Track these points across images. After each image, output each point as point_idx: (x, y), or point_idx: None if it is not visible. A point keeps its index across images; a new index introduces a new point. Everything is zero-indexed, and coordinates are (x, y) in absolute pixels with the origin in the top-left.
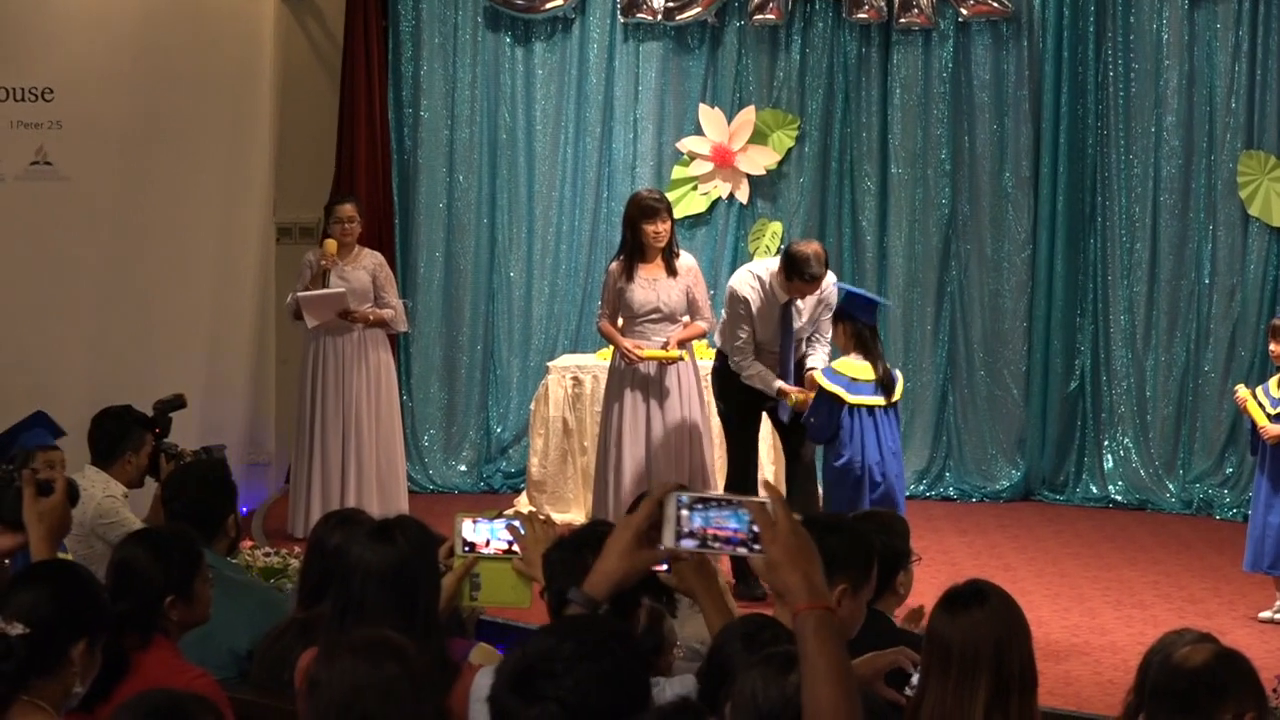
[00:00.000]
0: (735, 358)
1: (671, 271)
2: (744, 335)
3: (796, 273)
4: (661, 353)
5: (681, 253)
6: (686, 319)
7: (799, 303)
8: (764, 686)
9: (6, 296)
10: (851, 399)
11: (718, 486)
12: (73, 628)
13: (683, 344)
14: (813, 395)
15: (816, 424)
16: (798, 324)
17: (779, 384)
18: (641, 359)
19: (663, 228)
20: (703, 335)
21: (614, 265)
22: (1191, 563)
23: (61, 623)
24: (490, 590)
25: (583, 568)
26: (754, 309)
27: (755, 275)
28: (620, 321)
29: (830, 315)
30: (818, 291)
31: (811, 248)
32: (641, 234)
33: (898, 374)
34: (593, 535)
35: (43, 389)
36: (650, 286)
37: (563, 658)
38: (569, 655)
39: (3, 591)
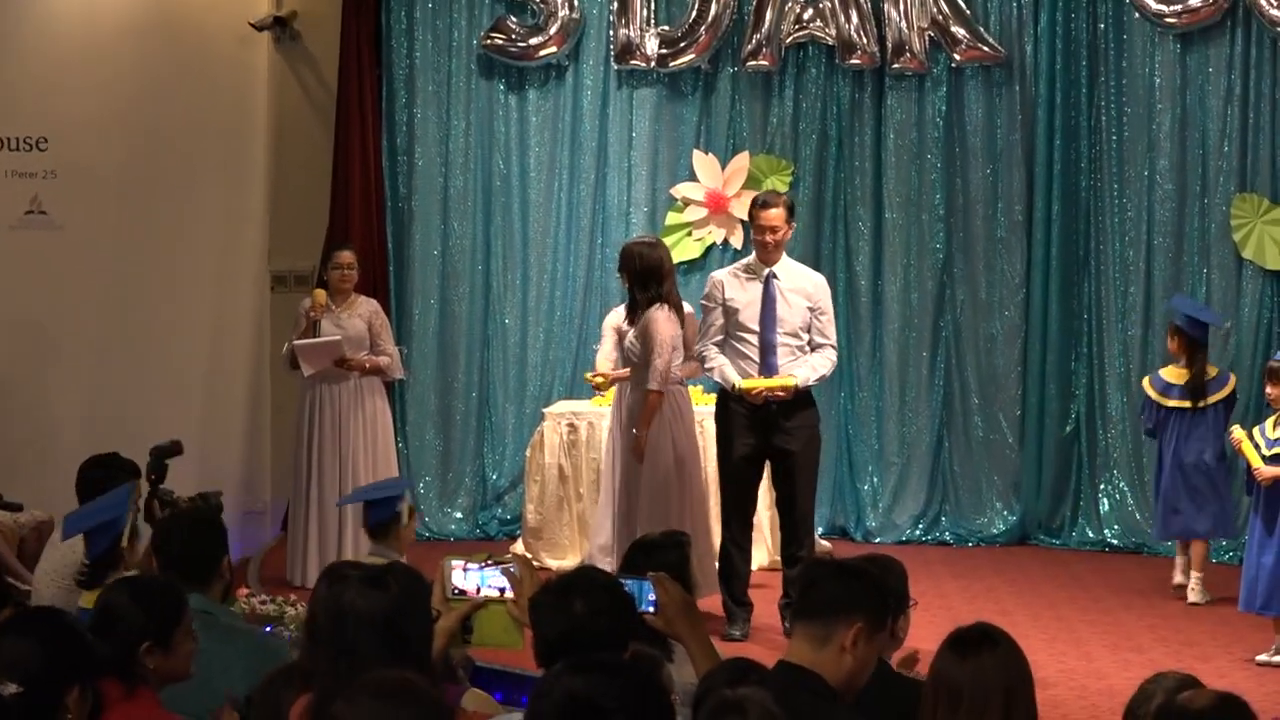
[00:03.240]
0: (700, 354)
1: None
2: (710, 319)
3: (754, 204)
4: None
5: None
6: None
7: (781, 282)
8: None
9: (3, 344)
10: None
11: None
12: (65, 676)
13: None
14: (765, 388)
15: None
16: (782, 307)
17: (736, 381)
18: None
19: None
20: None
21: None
22: (1188, 606)
23: (54, 673)
24: (482, 632)
25: (569, 612)
26: (726, 291)
27: (734, 264)
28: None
29: (829, 321)
30: (815, 286)
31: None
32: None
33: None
34: (580, 580)
35: (39, 436)
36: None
37: (604, 683)
38: (609, 679)
39: None
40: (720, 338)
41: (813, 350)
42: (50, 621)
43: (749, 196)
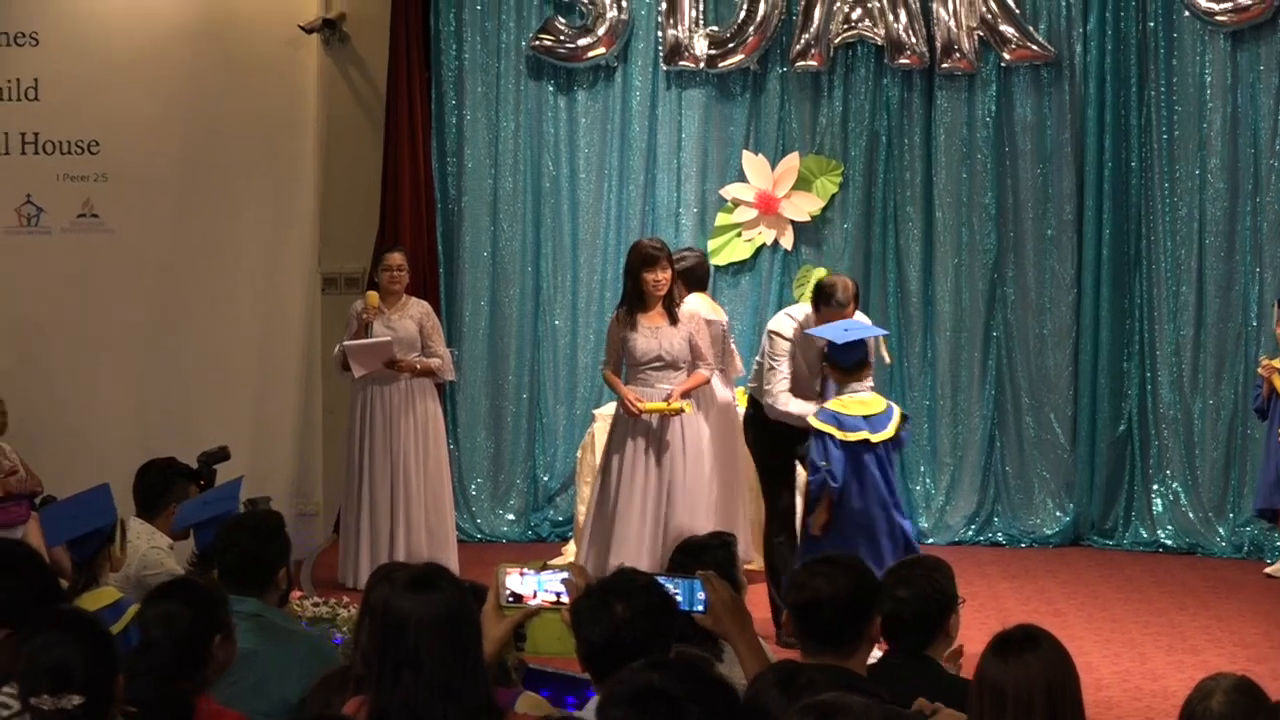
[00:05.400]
0: (769, 400)
1: (673, 320)
2: (782, 371)
3: (824, 299)
4: (663, 405)
5: (683, 303)
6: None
7: None
8: None
9: (54, 347)
10: None
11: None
12: (109, 672)
13: (686, 395)
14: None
15: None
16: None
17: (809, 411)
18: (642, 412)
19: (663, 276)
20: (705, 383)
21: (617, 314)
22: (1242, 607)
23: (102, 676)
24: (536, 640)
25: (610, 616)
26: (795, 346)
27: (792, 316)
28: (624, 371)
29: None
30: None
31: (840, 278)
32: (642, 282)
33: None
34: (619, 583)
35: (90, 439)
36: (652, 335)
37: (676, 676)
38: (681, 672)
39: (30, 658)
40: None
41: None
42: (82, 627)
43: (799, 197)
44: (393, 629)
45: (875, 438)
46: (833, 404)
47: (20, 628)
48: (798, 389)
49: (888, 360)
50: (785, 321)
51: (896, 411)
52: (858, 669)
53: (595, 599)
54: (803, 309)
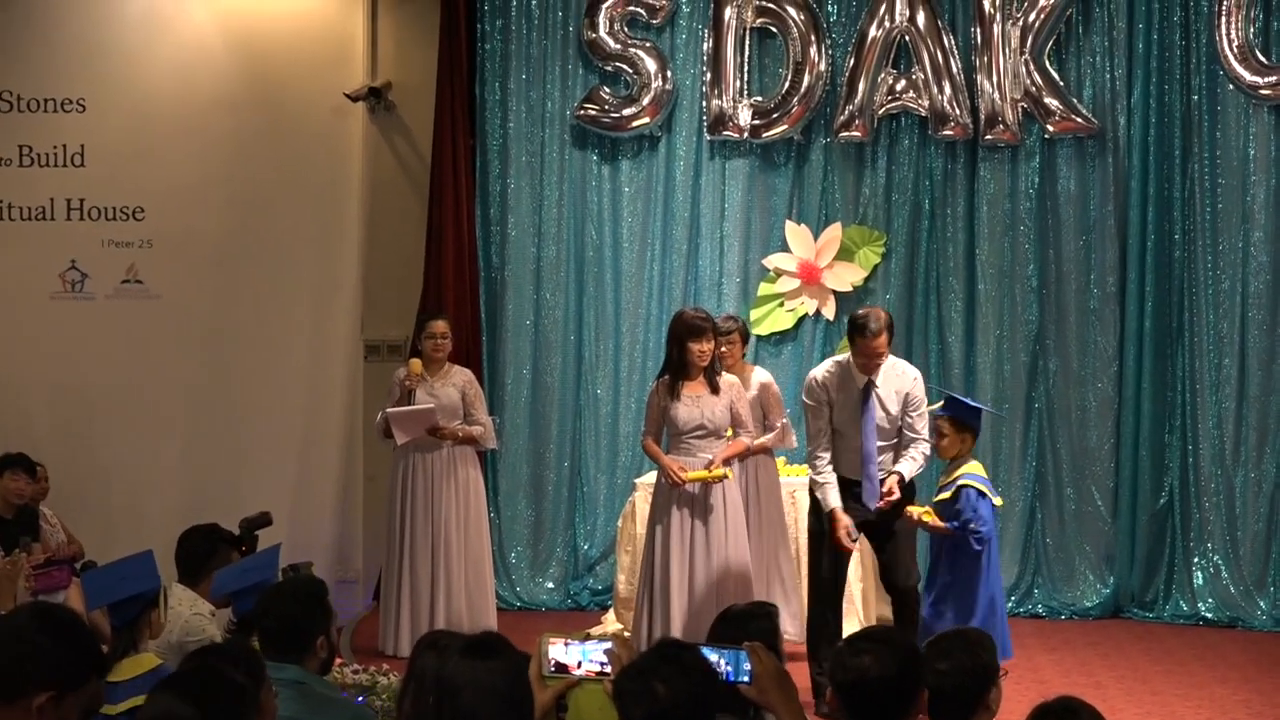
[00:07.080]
0: (811, 459)
1: (714, 389)
2: (820, 424)
3: (857, 330)
4: (705, 474)
5: (723, 373)
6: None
7: (879, 389)
8: None
9: (97, 412)
10: None
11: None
12: None
13: (728, 461)
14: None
15: None
16: (879, 414)
17: (835, 507)
18: (685, 481)
19: (707, 347)
20: (746, 451)
21: (657, 384)
22: None
23: None
24: (580, 710)
25: (652, 695)
26: (831, 392)
27: (832, 360)
28: (665, 440)
29: (921, 415)
30: (911, 382)
31: (871, 309)
32: (687, 352)
33: None
34: (658, 661)
35: (134, 504)
36: (694, 404)
37: None
38: None
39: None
40: (829, 437)
41: (904, 445)
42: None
43: (841, 267)
44: (447, 695)
45: (998, 502)
46: (976, 468)
47: (61, 692)
48: (839, 446)
49: None
50: (823, 364)
51: None
52: None
53: (637, 680)
54: (845, 354)
